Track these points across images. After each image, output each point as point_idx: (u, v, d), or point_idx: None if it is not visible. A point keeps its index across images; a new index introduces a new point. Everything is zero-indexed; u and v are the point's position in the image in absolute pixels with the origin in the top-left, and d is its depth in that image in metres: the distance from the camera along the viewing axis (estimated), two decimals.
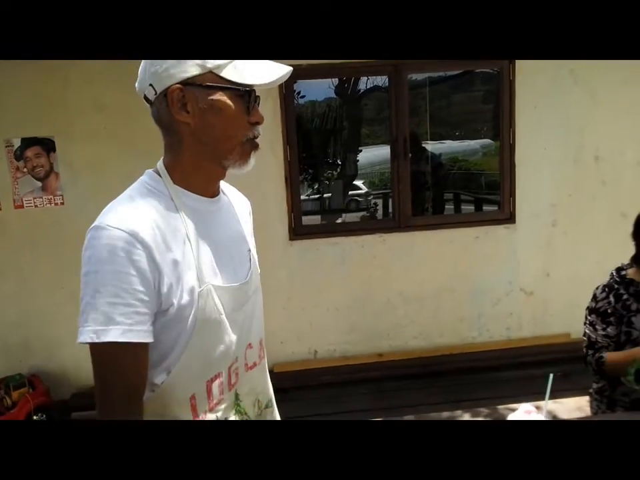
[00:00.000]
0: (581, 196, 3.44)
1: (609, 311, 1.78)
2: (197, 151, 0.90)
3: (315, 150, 5.52)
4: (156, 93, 0.88)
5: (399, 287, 3.48)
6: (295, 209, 3.28)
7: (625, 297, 1.79)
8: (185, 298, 0.86)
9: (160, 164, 0.93)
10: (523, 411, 1.35)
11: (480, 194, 4.39)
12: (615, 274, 1.87)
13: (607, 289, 1.82)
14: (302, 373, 3.46)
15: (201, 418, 0.92)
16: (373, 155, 5.83)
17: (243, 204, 1.10)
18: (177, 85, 0.85)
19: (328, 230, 3.51)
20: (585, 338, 1.83)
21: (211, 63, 0.85)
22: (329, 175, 5.61)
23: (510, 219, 3.44)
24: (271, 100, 3.16)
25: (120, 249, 0.79)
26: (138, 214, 0.84)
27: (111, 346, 0.79)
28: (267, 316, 3.87)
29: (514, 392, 3.19)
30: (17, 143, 3.08)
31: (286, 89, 3.16)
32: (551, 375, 1.37)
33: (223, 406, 0.96)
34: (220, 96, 0.87)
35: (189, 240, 0.88)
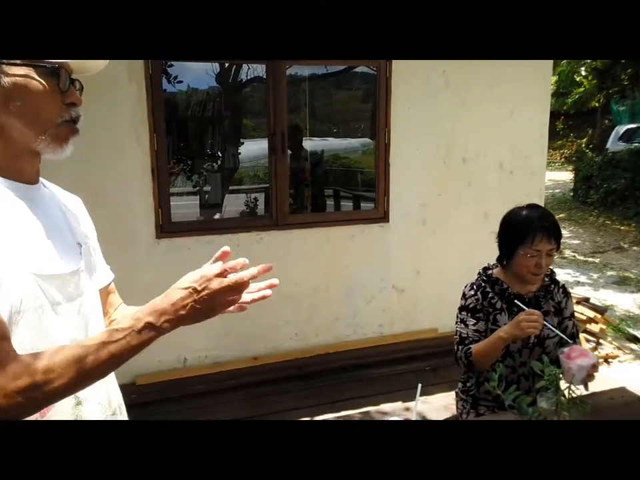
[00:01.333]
0: (449, 196, 3.60)
1: (478, 307, 1.84)
2: (3, 133, 0.86)
3: (193, 140, 5.21)
4: None
5: (278, 286, 3.35)
6: (163, 204, 2.99)
7: (490, 294, 1.86)
8: None
9: None
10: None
11: (359, 192, 4.42)
12: (482, 273, 1.94)
13: (475, 287, 1.88)
14: (169, 384, 3.18)
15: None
16: (258, 147, 5.65)
17: (72, 200, 1.07)
18: None
19: (200, 227, 3.27)
20: (456, 337, 1.86)
21: None
22: (209, 167, 5.32)
23: (384, 217, 3.49)
24: (135, 83, 2.83)
25: None
26: None
27: None
28: None
29: (387, 388, 3.25)
30: None
31: (152, 70, 2.85)
32: (419, 385, 1.34)
33: (57, 409, 0.87)
34: (25, 74, 0.83)
35: (1, 225, 0.81)
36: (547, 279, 1.90)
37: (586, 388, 1.69)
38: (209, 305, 0.87)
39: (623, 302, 5.31)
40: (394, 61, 3.29)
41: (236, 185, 5.63)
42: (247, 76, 5.32)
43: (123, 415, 1.08)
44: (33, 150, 0.88)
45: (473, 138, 3.59)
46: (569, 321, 1.91)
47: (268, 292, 1.01)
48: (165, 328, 0.85)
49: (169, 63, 4.94)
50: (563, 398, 1.26)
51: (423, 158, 3.51)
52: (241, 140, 5.54)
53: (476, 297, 1.86)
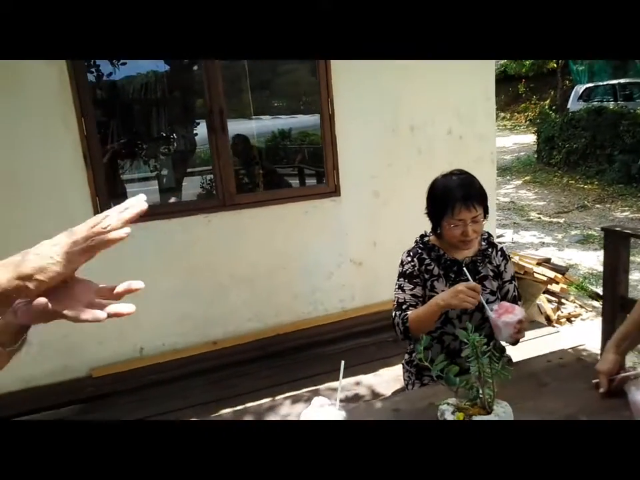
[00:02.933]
0: (399, 166, 3.56)
1: (415, 273, 1.82)
2: None
3: (142, 124, 5.01)
4: None
5: (229, 270, 3.29)
6: (100, 192, 2.87)
7: (427, 261, 1.83)
8: None
9: None
10: (318, 405, 1.26)
11: (311, 168, 4.33)
12: (418, 240, 1.92)
13: (411, 253, 1.87)
14: (126, 375, 3.12)
15: None
16: None
17: None
18: None
19: (147, 213, 3.15)
20: (394, 303, 1.84)
21: None
22: (164, 150, 5.14)
23: (335, 191, 3.43)
24: (55, 66, 2.67)
25: None
26: None
27: None
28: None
29: (350, 362, 3.24)
30: None
31: None
32: (342, 362, 1.30)
33: None
34: None
35: None
36: (484, 243, 1.88)
37: (513, 344, 1.68)
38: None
39: (587, 260, 5.40)
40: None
41: (196, 168, 5.47)
42: None
43: None
44: None
45: (419, 105, 3.53)
46: (509, 284, 1.89)
47: (124, 308, 0.72)
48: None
49: None
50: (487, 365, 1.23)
51: (370, 129, 3.44)
52: (195, 120, 5.36)
53: (412, 263, 1.84)
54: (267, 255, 3.36)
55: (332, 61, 3.22)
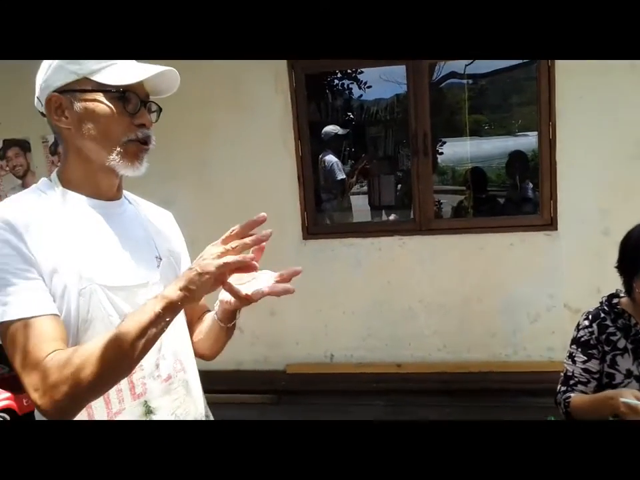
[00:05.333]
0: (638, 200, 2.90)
1: (591, 342, 1.50)
2: (80, 154, 0.93)
3: (371, 144, 5.27)
4: (42, 105, 0.93)
5: (420, 294, 3.22)
6: (309, 207, 3.16)
7: (611, 329, 1.48)
8: (64, 295, 0.85)
9: (55, 171, 0.98)
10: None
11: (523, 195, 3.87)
12: (605, 301, 1.56)
13: (590, 317, 1.53)
14: (316, 377, 3.36)
15: None
16: (492, 147, 5.34)
17: (160, 215, 1.11)
18: (54, 93, 0.90)
19: (343, 230, 3.35)
20: (561, 374, 1.55)
21: (85, 69, 0.89)
22: (387, 170, 5.27)
23: (551, 224, 3.00)
24: (281, 95, 3.06)
25: None
26: (13, 208, 0.88)
27: (10, 325, 0.82)
28: (282, 315, 3.77)
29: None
30: None
31: (296, 82, 3.04)
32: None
33: (126, 416, 0.91)
34: (94, 99, 0.90)
35: (73, 238, 0.89)
36: None
37: None
38: (198, 277, 0.82)
39: None
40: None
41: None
42: (438, 74, 5.14)
43: None
44: (107, 167, 0.93)
45: None
46: None
47: (287, 286, 0.85)
48: (173, 296, 0.81)
49: (359, 70, 5.17)
50: None
51: (602, 154, 2.89)
52: (442, 140, 5.31)
53: (590, 330, 1.51)
54: (461, 285, 3.17)
55: (556, 75, 2.84)
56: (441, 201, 4.89)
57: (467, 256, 3.14)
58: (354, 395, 3.23)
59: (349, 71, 5.12)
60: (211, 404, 1.16)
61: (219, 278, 0.82)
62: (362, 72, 5.14)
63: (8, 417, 3.14)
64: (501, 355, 3.22)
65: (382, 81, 5.02)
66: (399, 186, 4.55)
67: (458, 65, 4.17)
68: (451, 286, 3.18)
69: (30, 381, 0.80)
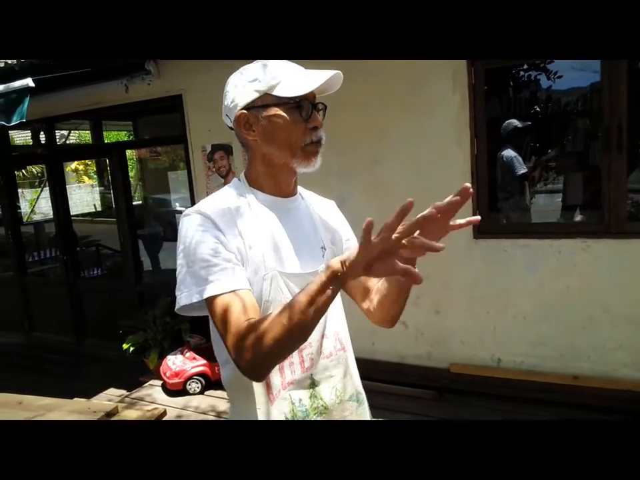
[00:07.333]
0: None
1: None
2: (264, 159, 1.08)
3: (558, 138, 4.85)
4: (231, 121, 1.10)
5: (605, 303, 2.92)
6: (481, 204, 3.10)
7: None
8: (251, 278, 1.01)
9: (242, 172, 1.16)
10: None
11: None
12: None
13: None
14: (480, 379, 3.29)
15: (274, 396, 1.04)
16: None
17: (325, 206, 1.24)
18: (242, 111, 1.05)
19: (518, 230, 3.19)
20: None
21: (265, 86, 1.02)
22: (574, 166, 4.82)
23: None
24: (458, 94, 3.05)
25: (198, 226, 1.00)
26: (213, 204, 1.05)
27: (216, 298, 0.96)
28: (447, 314, 3.95)
29: None
30: (208, 148, 3.91)
31: (475, 80, 2.99)
32: None
33: (296, 387, 1.06)
34: (275, 111, 1.03)
35: (258, 230, 1.04)
36: None
37: None
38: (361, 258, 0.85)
39: None
40: None
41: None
42: None
43: (360, 402, 1.17)
44: (289, 168, 1.07)
45: None
46: None
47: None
48: (341, 271, 0.87)
49: (548, 60, 4.81)
50: None
51: None
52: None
53: None
54: None
55: None
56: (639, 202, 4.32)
57: None
58: (519, 402, 3.09)
59: (537, 62, 4.80)
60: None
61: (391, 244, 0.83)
62: (551, 62, 4.77)
63: (203, 381, 3.71)
64: None
65: (574, 70, 4.61)
66: (587, 185, 4.14)
67: None
68: None
69: (231, 342, 0.93)
